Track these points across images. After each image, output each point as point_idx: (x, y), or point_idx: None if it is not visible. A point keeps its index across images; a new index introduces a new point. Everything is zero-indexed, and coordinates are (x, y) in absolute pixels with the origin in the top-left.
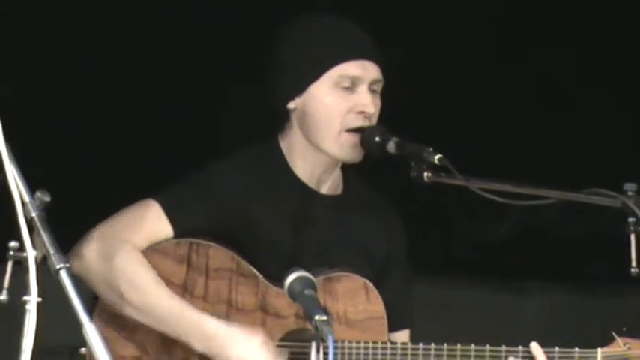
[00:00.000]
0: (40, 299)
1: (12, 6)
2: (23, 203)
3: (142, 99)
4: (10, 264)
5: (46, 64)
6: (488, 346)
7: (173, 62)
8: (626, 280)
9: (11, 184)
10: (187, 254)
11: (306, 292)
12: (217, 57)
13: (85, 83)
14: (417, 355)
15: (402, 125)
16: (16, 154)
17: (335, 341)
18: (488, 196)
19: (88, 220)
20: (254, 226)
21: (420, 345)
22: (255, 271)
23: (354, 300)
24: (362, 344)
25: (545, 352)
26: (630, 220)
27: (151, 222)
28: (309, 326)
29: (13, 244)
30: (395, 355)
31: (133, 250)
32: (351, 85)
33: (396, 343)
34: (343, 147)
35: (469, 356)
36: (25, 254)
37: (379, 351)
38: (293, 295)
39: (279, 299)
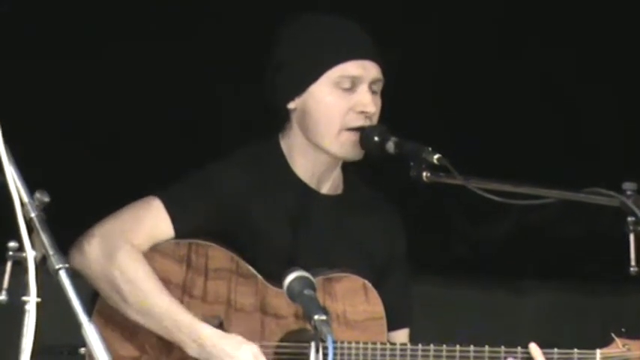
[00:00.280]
0: (39, 299)
1: (12, 6)
2: (22, 204)
3: (142, 99)
4: (9, 264)
5: (45, 64)
6: (487, 347)
7: (173, 62)
8: (625, 279)
9: (10, 185)
10: (187, 255)
11: (306, 292)
12: (217, 57)
13: (85, 83)
14: (416, 356)
15: (402, 125)
16: (15, 155)
17: (334, 342)
18: (487, 195)
19: (88, 220)
20: (254, 226)
21: (419, 346)
22: (254, 271)
23: (354, 300)
24: (361, 345)
25: (544, 354)
26: (629, 219)
27: (152, 221)
28: (308, 326)
29: (12, 244)
30: (394, 355)
31: (134, 250)
32: (351, 85)
33: (395, 343)
34: (343, 145)
35: (468, 357)
36: (24, 255)
37: (378, 352)
38: (292, 295)
39: (278, 299)
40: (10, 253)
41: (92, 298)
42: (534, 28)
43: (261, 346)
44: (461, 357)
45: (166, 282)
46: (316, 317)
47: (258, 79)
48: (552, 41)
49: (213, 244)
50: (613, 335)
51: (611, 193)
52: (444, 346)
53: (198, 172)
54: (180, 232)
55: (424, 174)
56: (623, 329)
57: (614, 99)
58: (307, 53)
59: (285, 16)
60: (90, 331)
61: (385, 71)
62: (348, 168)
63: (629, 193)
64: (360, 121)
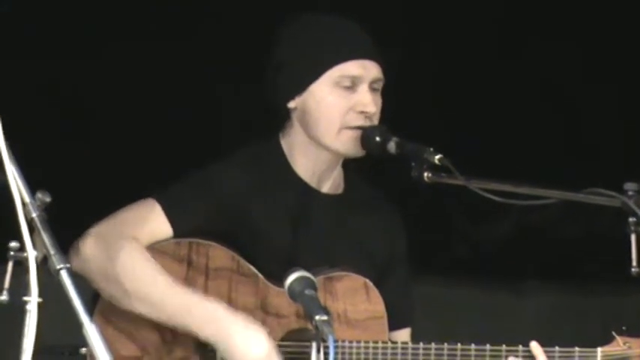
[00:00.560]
0: (40, 300)
1: (12, 6)
2: (24, 204)
3: (142, 99)
4: (10, 264)
5: (45, 64)
6: (488, 346)
7: (173, 62)
8: (626, 279)
9: (12, 185)
10: (187, 254)
11: (307, 292)
12: (217, 57)
13: (85, 83)
14: (417, 355)
15: (402, 124)
16: (16, 155)
17: (335, 341)
18: (488, 195)
19: (89, 220)
20: (254, 225)
21: (421, 345)
22: (255, 270)
23: (355, 300)
24: (362, 344)
25: (546, 352)
26: (630, 219)
27: (150, 221)
28: (309, 326)
29: (13, 244)
30: (395, 355)
31: (133, 242)
32: (352, 85)
33: (396, 342)
34: (344, 143)
35: (469, 356)
36: (25, 255)
37: (379, 351)
38: (293, 295)
39: (279, 299)
40: (12, 253)
41: (93, 298)
42: (534, 28)
43: None
44: (462, 356)
45: None
46: (317, 317)
47: (258, 79)
48: (552, 42)
49: (213, 244)
50: (614, 333)
51: (613, 193)
52: (446, 344)
53: (197, 172)
54: (179, 233)
55: (425, 174)
56: (623, 327)
57: (615, 99)
58: (307, 53)
59: (285, 16)
60: (91, 332)
61: (385, 71)
62: (349, 167)
63: (630, 193)
64: (360, 121)
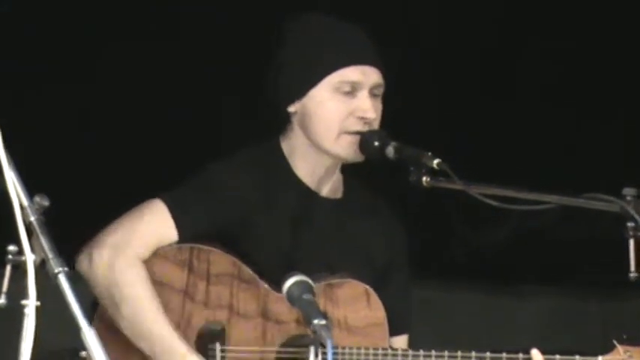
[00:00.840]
0: (38, 303)
1: (12, 6)
2: (22, 207)
3: (142, 99)
4: (8, 268)
5: (45, 65)
6: (488, 354)
7: (173, 63)
8: (625, 284)
9: (10, 188)
10: (189, 260)
11: (305, 296)
12: (217, 57)
13: (84, 85)
14: None
15: (402, 125)
16: (14, 158)
17: (335, 347)
18: (487, 200)
19: (87, 223)
20: (255, 228)
21: (421, 352)
22: (256, 276)
23: (355, 306)
24: (362, 350)
25: (546, 359)
26: (629, 224)
27: (157, 226)
28: (309, 332)
29: (11, 248)
30: None
31: (140, 268)
32: (352, 90)
33: (396, 349)
34: (344, 148)
35: None
36: (23, 258)
37: (380, 357)
38: (291, 299)
39: (279, 305)
40: (10, 256)
41: (93, 303)
42: (535, 29)
43: (263, 352)
44: None
45: (168, 287)
46: (315, 322)
47: (258, 79)
48: (553, 43)
49: (214, 249)
50: (615, 342)
51: (611, 198)
52: (446, 352)
53: (200, 173)
54: (184, 236)
55: (424, 179)
56: (624, 336)
57: (615, 103)
58: (307, 57)
59: (285, 16)
60: (89, 335)
61: (385, 76)
62: (348, 171)
63: (628, 198)
64: (359, 126)
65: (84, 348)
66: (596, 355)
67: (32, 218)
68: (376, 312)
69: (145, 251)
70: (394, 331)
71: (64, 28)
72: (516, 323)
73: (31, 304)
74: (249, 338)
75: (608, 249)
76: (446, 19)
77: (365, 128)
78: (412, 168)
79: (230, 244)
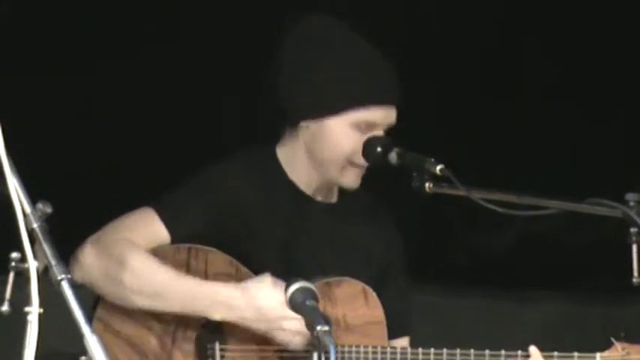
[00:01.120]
0: (41, 310)
1: (12, 6)
2: (25, 214)
3: (142, 100)
4: (11, 275)
5: (45, 65)
6: (487, 351)
7: (173, 63)
8: (628, 290)
9: (13, 196)
10: (186, 259)
11: (308, 302)
12: (217, 57)
13: (84, 85)
14: (416, 359)
15: (401, 127)
16: (17, 165)
17: (337, 353)
18: (489, 206)
19: (90, 230)
20: (249, 232)
21: (420, 350)
22: (254, 275)
23: (353, 305)
24: (362, 349)
25: (545, 357)
26: (632, 230)
27: (147, 227)
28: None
29: (14, 255)
30: (395, 359)
31: (130, 242)
32: (367, 128)
33: (395, 347)
34: (345, 177)
35: None
36: (26, 265)
37: (379, 355)
38: (294, 306)
39: None
40: (13, 263)
41: (93, 305)
42: (535, 30)
43: (262, 350)
44: None
45: None
46: (319, 328)
47: (258, 79)
48: (554, 45)
49: (212, 249)
50: (612, 339)
51: (614, 204)
52: (445, 349)
53: (194, 177)
54: (177, 238)
55: (427, 185)
56: (622, 334)
57: (618, 108)
58: (333, 81)
59: (285, 16)
60: (92, 342)
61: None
62: None
63: (631, 204)
64: (365, 162)
65: (84, 352)
66: (594, 352)
67: (35, 225)
68: (374, 310)
69: (134, 239)
70: (395, 334)
71: (64, 28)
72: (519, 328)
73: (34, 311)
74: (248, 337)
75: (611, 254)
76: (445, 18)
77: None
78: (415, 174)
79: (224, 246)
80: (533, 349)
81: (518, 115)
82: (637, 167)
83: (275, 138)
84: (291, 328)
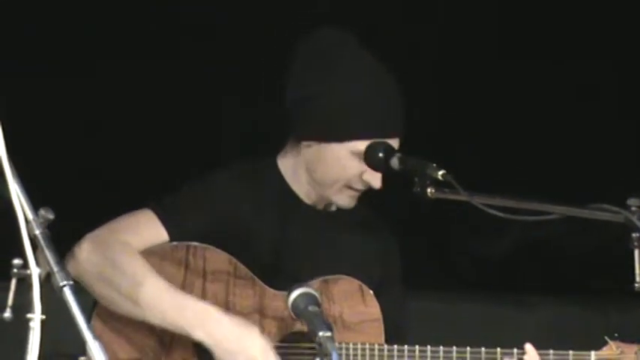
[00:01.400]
0: (43, 317)
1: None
2: (27, 221)
3: (142, 100)
4: (13, 281)
5: (45, 66)
6: (483, 349)
7: (173, 63)
8: (630, 295)
9: (15, 202)
10: (185, 257)
11: (310, 308)
12: (217, 57)
13: (84, 85)
14: (413, 357)
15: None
16: (19, 171)
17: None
18: (491, 211)
19: (87, 224)
20: (247, 237)
21: (416, 347)
22: (251, 274)
23: (351, 302)
24: (359, 346)
25: (540, 355)
26: (634, 235)
27: (145, 228)
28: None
29: (16, 261)
30: (392, 357)
31: (126, 245)
32: None
33: (392, 345)
34: (342, 199)
35: (465, 358)
36: (28, 272)
37: (376, 353)
38: (297, 311)
39: (276, 301)
40: (15, 270)
41: (93, 303)
42: (536, 32)
43: None
44: (458, 358)
45: None
46: (321, 333)
47: (258, 79)
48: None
49: (210, 247)
50: (607, 338)
51: (616, 208)
52: (441, 347)
53: (193, 182)
54: (175, 239)
55: (429, 190)
56: (615, 334)
57: (620, 113)
58: (340, 112)
59: (284, 16)
60: (94, 348)
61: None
62: None
63: (633, 209)
64: (363, 187)
65: (83, 353)
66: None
67: (37, 232)
68: (371, 308)
69: (128, 238)
70: (391, 343)
71: (64, 28)
72: (519, 333)
73: (36, 318)
74: None
75: (613, 259)
76: (446, 19)
77: (366, 188)
78: (416, 179)
79: (222, 250)
80: (528, 347)
81: (518, 115)
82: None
83: (276, 148)
84: None
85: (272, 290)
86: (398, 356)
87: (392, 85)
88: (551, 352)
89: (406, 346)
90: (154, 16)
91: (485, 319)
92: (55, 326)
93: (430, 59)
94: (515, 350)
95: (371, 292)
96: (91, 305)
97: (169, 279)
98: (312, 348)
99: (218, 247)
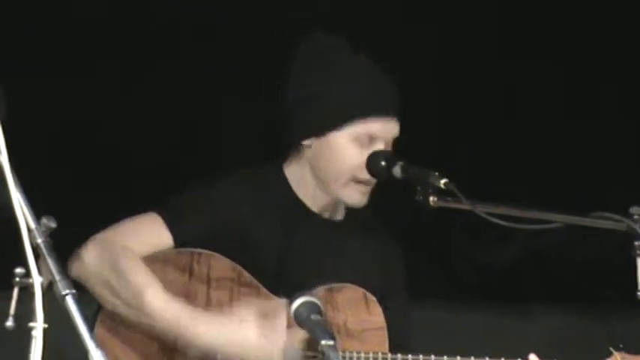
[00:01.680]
0: (46, 325)
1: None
2: (29, 229)
3: (142, 100)
4: (15, 290)
5: (45, 67)
6: (487, 359)
7: (173, 63)
8: (633, 303)
9: (17, 211)
10: (189, 264)
11: (313, 317)
12: (217, 57)
13: (84, 85)
14: None
15: (402, 129)
16: (19, 172)
17: None
18: (494, 220)
19: (87, 223)
20: (252, 244)
21: (420, 357)
22: (256, 281)
23: (355, 310)
24: (362, 355)
25: None
26: (636, 243)
27: (151, 232)
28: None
29: (18, 270)
30: None
31: (129, 251)
32: (369, 142)
33: (395, 354)
34: (349, 194)
35: None
36: (30, 280)
37: None
38: (300, 320)
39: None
40: (17, 279)
41: (97, 308)
42: (537, 34)
43: None
44: None
45: (169, 290)
46: (324, 342)
47: (258, 79)
48: (553, 45)
49: (215, 254)
50: (611, 349)
51: (618, 217)
52: (445, 357)
53: (199, 187)
54: (180, 243)
55: (431, 198)
56: (620, 345)
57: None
58: (335, 98)
59: (284, 16)
60: (97, 357)
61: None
62: None
63: (636, 217)
64: (368, 176)
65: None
66: None
67: (39, 240)
68: (375, 317)
69: (133, 243)
70: (395, 351)
71: (64, 28)
72: (523, 342)
73: (38, 327)
74: None
75: (615, 268)
76: (446, 19)
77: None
78: (419, 187)
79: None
80: (532, 358)
81: (518, 115)
82: None
83: (282, 155)
84: None
85: (276, 298)
86: None
87: (383, 73)
88: None
89: (410, 355)
90: (154, 16)
91: (487, 328)
92: (57, 335)
93: (430, 59)
94: None
95: (375, 300)
96: (93, 313)
97: (173, 285)
98: (316, 356)
99: (222, 252)
